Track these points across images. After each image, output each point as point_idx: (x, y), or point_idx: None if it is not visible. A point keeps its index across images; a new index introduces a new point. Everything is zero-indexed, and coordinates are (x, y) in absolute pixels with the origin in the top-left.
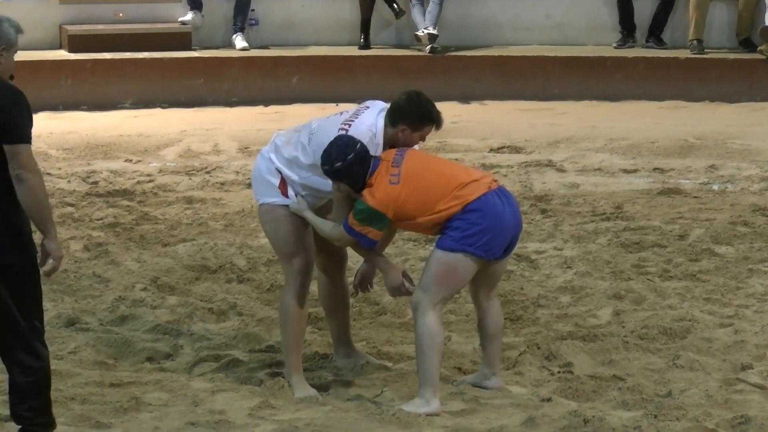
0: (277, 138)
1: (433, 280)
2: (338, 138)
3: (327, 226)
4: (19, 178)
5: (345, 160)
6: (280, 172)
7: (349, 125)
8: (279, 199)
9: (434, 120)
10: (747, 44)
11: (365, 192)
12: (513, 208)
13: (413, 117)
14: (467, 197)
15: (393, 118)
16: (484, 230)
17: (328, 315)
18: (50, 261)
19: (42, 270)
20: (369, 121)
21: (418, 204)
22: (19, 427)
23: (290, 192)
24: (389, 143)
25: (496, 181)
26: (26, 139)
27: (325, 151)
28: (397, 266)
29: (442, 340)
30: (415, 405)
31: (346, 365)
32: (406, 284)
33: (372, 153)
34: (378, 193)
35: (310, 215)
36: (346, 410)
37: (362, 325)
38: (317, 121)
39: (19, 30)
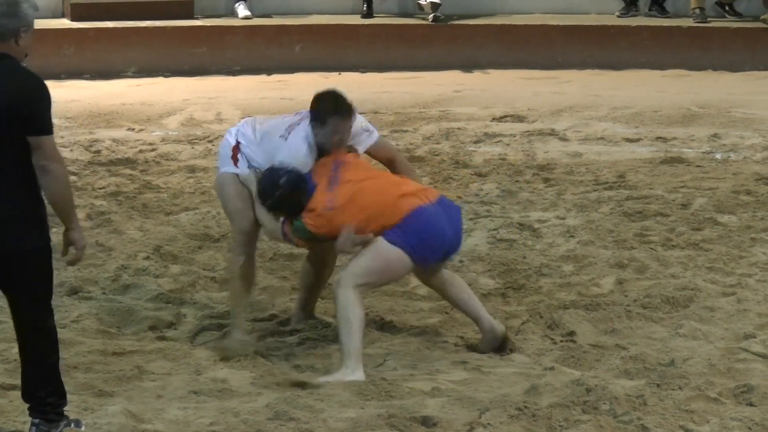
0: (255, 121)
1: (366, 266)
2: (265, 174)
3: (263, 213)
4: (45, 169)
5: (274, 197)
6: (238, 142)
7: (290, 132)
8: (230, 168)
9: (335, 112)
10: (730, 11)
11: (303, 215)
12: (453, 222)
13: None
14: (403, 212)
15: (318, 117)
16: (422, 240)
17: (305, 289)
18: (73, 251)
19: (66, 260)
20: (303, 132)
21: (355, 215)
22: (28, 405)
23: (240, 162)
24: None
25: (436, 192)
26: (50, 129)
27: (259, 187)
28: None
29: (363, 314)
30: (341, 374)
31: (305, 323)
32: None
33: (310, 161)
34: (314, 221)
35: (255, 190)
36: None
37: (364, 294)
38: (271, 122)
39: (36, 8)
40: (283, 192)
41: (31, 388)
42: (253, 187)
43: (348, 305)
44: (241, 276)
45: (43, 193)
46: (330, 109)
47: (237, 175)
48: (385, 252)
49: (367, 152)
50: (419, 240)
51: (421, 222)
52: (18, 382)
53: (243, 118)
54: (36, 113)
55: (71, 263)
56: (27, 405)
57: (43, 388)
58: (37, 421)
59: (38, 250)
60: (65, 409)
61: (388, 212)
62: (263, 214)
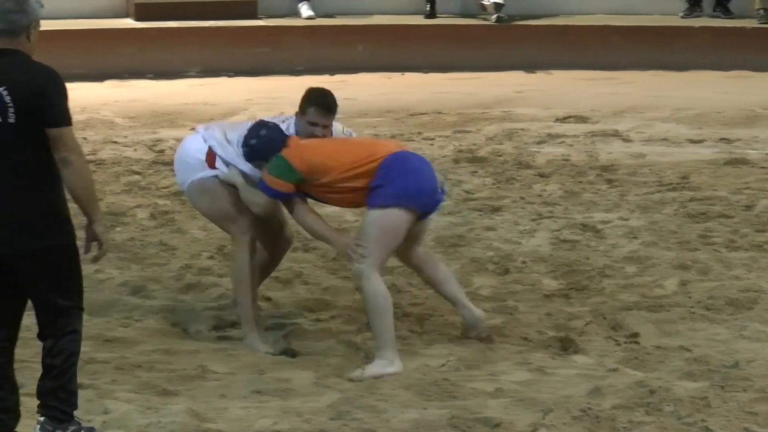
0: (223, 126)
1: (373, 243)
2: (250, 127)
3: (249, 191)
4: (66, 160)
5: (258, 137)
6: (211, 148)
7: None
8: (207, 172)
9: (316, 102)
10: None
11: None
12: (428, 165)
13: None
14: (380, 154)
15: (300, 108)
16: (408, 184)
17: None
18: (96, 245)
19: (90, 255)
20: (285, 127)
21: (329, 154)
22: (38, 402)
23: (218, 163)
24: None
25: (405, 146)
26: (69, 120)
27: (244, 136)
28: (342, 235)
29: (391, 300)
30: (379, 366)
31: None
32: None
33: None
34: (290, 152)
35: (239, 180)
36: (408, 379)
37: (427, 294)
38: (246, 125)
39: (41, 5)
40: (267, 133)
41: (41, 386)
42: (239, 180)
43: (375, 295)
44: (252, 276)
45: (65, 186)
46: (311, 99)
47: (217, 177)
48: (382, 223)
49: None
50: (405, 189)
51: (400, 166)
52: (80, 380)
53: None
54: (53, 105)
55: (95, 259)
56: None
57: (52, 384)
58: (42, 419)
59: (61, 248)
60: (80, 418)
61: (364, 155)
62: (247, 191)
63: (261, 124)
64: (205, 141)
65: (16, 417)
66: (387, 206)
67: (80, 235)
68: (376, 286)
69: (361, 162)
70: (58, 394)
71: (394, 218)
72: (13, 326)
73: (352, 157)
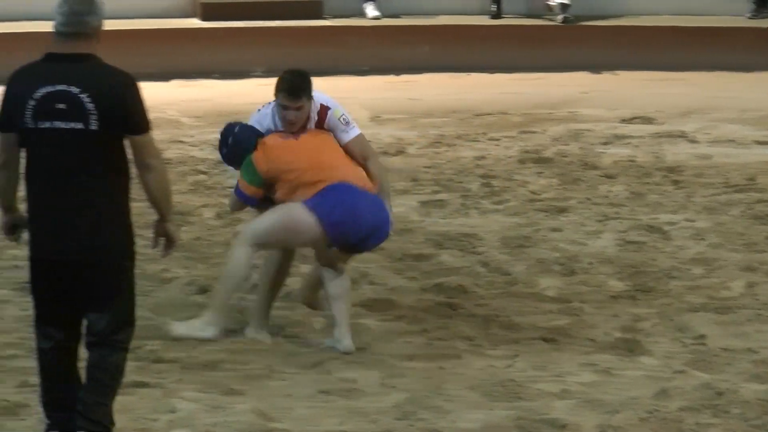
0: None
1: (270, 224)
2: (223, 128)
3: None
4: (150, 166)
5: (227, 145)
6: None
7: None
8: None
9: (281, 86)
10: None
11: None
12: (374, 212)
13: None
14: (328, 181)
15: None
16: (338, 216)
17: (268, 289)
18: (164, 241)
19: (157, 252)
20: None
21: (285, 151)
22: (79, 411)
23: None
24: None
25: (370, 186)
26: (150, 126)
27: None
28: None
29: (244, 275)
30: (193, 327)
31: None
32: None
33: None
34: (257, 152)
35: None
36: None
37: (493, 295)
38: None
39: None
40: (234, 139)
41: (85, 398)
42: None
43: (233, 262)
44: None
45: (144, 190)
46: (279, 83)
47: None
48: (296, 216)
49: (343, 148)
50: (336, 216)
51: (340, 197)
52: (147, 379)
53: (371, 118)
54: (137, 112)
55: (163, 255)
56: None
57: (97, 399)
58: None
59: (122, 257)
60: None
61: (313, 175)
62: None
63: (229, 130)
64: None
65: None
66: (312, 210)
67: (140, 232)
68: (240, 255)
69: (312, 180)
70: (103, 409)
71: (306, 224)
72: (74, 328)
73: (301, 172)
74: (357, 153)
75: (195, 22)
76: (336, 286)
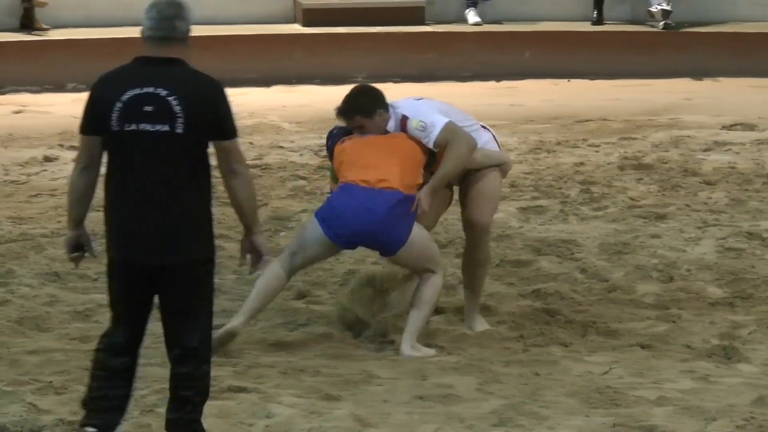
0: None
1: (292, 239)
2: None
3: None
4: (236, 172)
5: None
6: None
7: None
8: None
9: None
10: None
11: None
12: (366, 207)
13: None
14: (351, 178)
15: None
16: (328, 213)
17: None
18: (256, 256)
19: (244, 268)
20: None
21: (348, 149)
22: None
23: None
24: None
25: (385, 183)
26: (237, 132)
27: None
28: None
29: (269, 285)
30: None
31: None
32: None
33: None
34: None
35: None
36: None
37: (591, 301)
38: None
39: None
40: (331, 134)
41: (176, 420)
42: None
43: (264, 273)
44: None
45: (229, 196)
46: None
47: None
48: (303, 225)
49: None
50: (327, 213)
51: (334, 196)
52: (246, 384)
53: None
54: (226, 118)
55: (252, 271)
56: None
57: (188, 418)
58: None
59: (205, 263)
60: None
61: (348, 173)
62: None
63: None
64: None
65: (122, 416)
66: (316, 216)
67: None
68: (267, 271)
69: (343, 176)
70: (195, 426)
71: (309, 231)
72: (142, 331)
73: (349, 169)
74: (444, 147)
75: (296, 28)
76: (417, 292)
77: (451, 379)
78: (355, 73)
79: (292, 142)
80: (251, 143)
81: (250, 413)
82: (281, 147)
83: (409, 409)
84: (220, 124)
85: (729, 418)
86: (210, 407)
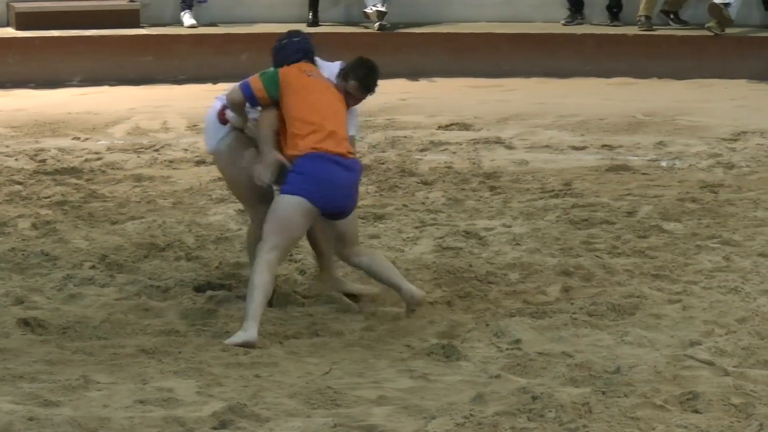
0: None
1: (269, 229)
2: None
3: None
4: None
5: (280, 41)
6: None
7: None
8: (223, 131)
9: (359, 79)
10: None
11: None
12: (349, 173)
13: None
14: (310, 146)
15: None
16: (319, 184)
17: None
18: None
19: None
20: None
21: (295, 102)
22: None
23: (228, 114)
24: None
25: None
26: None
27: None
28: (276, 154)
29: (268, 281)
30: (237, 336)
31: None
32: (266, 174)
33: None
34: (290, 68)
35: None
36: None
37: (311, 302)
38: None
39: None
40: (289, 42)
41: None
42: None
43: (255, 272)
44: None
45: None
46: (357, 72)
47: (233, 127)
48: (282, 210)
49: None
50: (317, 184)
51: (318, 164)
52: None
53: (188, 127)
54: None
55: None
56: None
57: None
58: None
59: None
60: None
61: (305, 133)
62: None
63: (294, 33)
64: (217, 100)
65: None
66: (294, 193)
67: None
68: (262, 266)
69: (293, 141)
70: None
71: (294, 210)
72: None
73: (300, 123)
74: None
75: (10, 31)
76: (377, 263)
77: (171, 383)
78: (70, 76)
79: (8, 146)
80: None
81: None
82: None
83: (129, 413)
84: None
85: (449, 416)
86: None
